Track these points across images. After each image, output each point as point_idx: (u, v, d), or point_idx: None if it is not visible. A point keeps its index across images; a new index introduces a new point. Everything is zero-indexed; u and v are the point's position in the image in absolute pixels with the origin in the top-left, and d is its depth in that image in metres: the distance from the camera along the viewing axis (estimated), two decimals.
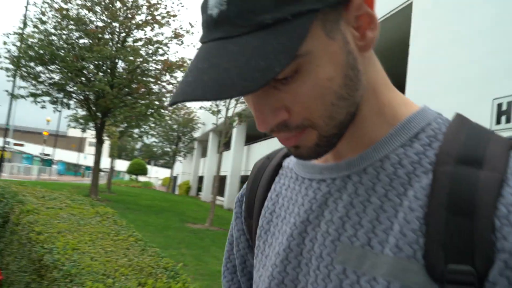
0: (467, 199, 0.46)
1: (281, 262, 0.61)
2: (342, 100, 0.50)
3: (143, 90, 15.40)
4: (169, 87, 16.31)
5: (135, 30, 15.47)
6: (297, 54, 0.45)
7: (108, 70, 15.08)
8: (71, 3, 14.43)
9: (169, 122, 31.90)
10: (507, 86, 6.00)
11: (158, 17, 15.20)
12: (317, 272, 0.56)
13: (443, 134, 0.54)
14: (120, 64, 15.46)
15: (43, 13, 14.38)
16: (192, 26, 15.65)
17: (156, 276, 2.57)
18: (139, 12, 15.03)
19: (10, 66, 14.72)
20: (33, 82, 14.96)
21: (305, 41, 0.45)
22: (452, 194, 0.47)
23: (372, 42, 0.53)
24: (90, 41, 14.51)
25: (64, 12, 14.08)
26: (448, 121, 0.57)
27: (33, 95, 15.08)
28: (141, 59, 15.02)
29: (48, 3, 14.29)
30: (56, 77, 14.98)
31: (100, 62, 14.75)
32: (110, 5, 14.57)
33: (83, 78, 14.68)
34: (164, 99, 16.65)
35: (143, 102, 15.86)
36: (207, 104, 15.20)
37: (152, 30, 15.43)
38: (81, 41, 14.77)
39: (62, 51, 14.27)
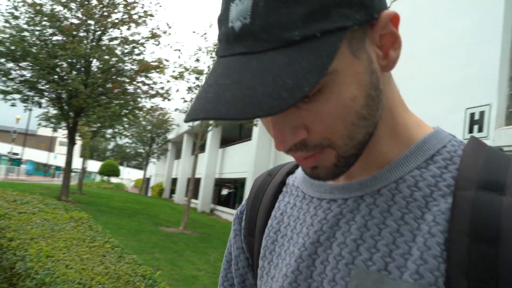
0: (491, 225, 0.45)
1: (289, 284, 0.59)
2: (363, 120, 0.49)
3: (118, 90, 15.14)
4: (144, 87, 16.11)
5: (111, 29, 15.20)
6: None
7: (82, 69, 14.77)
8: None
9: (143, 123, 31.58)
10: (480, 97, 6.18)
11: (135, 16, 14.99)
12: None
13: (458, 157, 0.53)
14: (95, 63, 15.16)
15: (15, 8, 13.95)
16: (169, 27, 15.50)
17: (134, 285, 2.52)
18: (116, 10, 14.77)
19: None
20: (3, 79, 14.52)
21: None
22: (474, 220, 0.46)
23: (395, 62, 0.52)
24: (64, 39, 14.18)
25: (38, 8, 13.70)
26: (461, 143, 0.56)
27: (3, 92, 14.67)
28: (116, 59, 14.76)
29: None
30: (28, 74, 14.59)
31: (74, 60, 14.43)
32: (86, 2, 14.27)
33: (56, 76, 14.34)
34: (139, 99, 16.43)
35: (117, 102, 15.60)
36: (183, 105, 15.09)
37: (128, 29, 15.19)
38: (55, 38, 14.42)
39: (35, 47, 13.90)
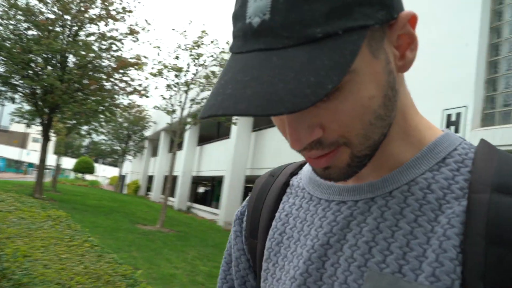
0: (507, 228, 0.45)
1: (298, 286, 0.58)
2: (379, 120, 0.49)
3: (94, 86, 14.88)
4: (122, 84, 15.87)
5: (88, 24, 14.91)
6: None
7: (58, 64, 14.45)
8: None
9: (120, 120, 31.15)
10: (456, 98, 6.33)
11: (113, 12, 14.74)
12: None
13: (470, 160, 0.54)
14: (71, 59, 14.86)
15: None
16: (148, 24, 15.33)
17: (115, 285, 2.50)
18: (93, 5, 14.50)
19: None
20: None
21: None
22: (490, 223, 0.46)
23: (411, 63, 0.52)
24: (40, 33, 13.84)
25: (12, 1, 13.35)
26: (472, 146, 0.57)
27: None
28: (93, 55, 14.50)
29: None
30: (1, 69, 14.19)
31: (50, 56, 14.12)
32: None
33: (30, 72, 14.00)
34: (116, 96, 16.18)
35: (94, 98, 15.33)
36: (161, 102, 14.95)
37: (106, 25, 14.94)
38: (30, 32, 14.07)
39: (8, 42, 13.53)
